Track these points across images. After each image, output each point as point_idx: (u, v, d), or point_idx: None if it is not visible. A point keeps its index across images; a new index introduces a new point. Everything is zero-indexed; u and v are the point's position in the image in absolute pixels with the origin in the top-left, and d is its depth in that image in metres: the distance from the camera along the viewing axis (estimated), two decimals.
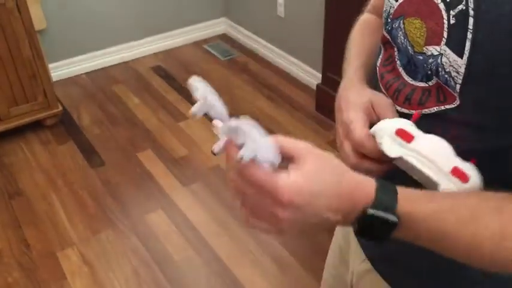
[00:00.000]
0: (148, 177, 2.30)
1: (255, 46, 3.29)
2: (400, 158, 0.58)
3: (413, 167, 0.57)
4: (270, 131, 2.44)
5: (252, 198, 0.50)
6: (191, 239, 1.99)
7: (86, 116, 2.75)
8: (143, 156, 2.42)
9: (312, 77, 2.83)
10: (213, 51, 3.36)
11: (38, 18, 2.67)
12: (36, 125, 2.61)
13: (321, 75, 2.62)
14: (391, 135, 0.57)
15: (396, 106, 0.63)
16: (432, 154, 0.55)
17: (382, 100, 0.64)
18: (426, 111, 0.59)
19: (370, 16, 0.83)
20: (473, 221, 0.50)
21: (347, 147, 0.63)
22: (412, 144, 0.56)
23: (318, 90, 2.64)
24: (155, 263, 1.89)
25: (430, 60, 0.57)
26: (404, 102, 0.61)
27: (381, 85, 0.67)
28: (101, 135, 2.59)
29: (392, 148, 0.58)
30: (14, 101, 2.46)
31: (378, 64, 0.69)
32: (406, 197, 0.51)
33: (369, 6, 0.84)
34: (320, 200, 0.49)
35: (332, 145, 2.43)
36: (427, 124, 0.58)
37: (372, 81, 0.70)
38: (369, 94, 0.66)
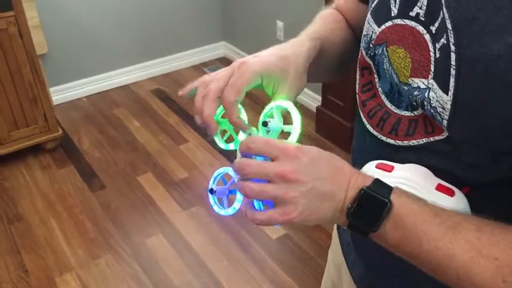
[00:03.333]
0: (149, 201, 2.29)
1: None
2: None
3: None
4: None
5: (260, 171, 0.53)
6: (191, 263, 1.96)
7: (86, 140, 2.75)
8: (143, 179, 2.41)
9: (312, 99, 2.84)
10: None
11: (39, 43, 2.69)
12: (37, 149, 2.60)
13: (321, 98, 2.63)
14: (373, 170, 0.58)
15: (382, 136, 0.60)
16: (415, 177, 0.55)
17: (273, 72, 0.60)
18: (414, 142, 0.56)
19: (333, 10, 0.77)
20: (458, 226, 0.49)
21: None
22: (394, 173, 0.57)
23: (318, 112, 2.65)
24: None
25: (416, 93, 0.54)
26: (391, 133, 0.59)
27: (361, 114, 0.64)
28: (101, 158, 2.59)
29: None
30: (14, 125, 2.46)
31: (357, 90, 0.66)
32: (400, 191, 0.52)
33: (333, 5, 0.79)
34: (321, 163, 0.53)
35: None
36: (417, 157, 0.56)
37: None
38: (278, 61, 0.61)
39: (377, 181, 0.53)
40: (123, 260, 1.98)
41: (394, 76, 0.57)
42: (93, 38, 3.06)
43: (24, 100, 2.44)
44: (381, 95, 0.61)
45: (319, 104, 2.65)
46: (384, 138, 0.60)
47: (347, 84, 2.23)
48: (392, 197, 0.51)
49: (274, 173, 0.52)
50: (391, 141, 0.59)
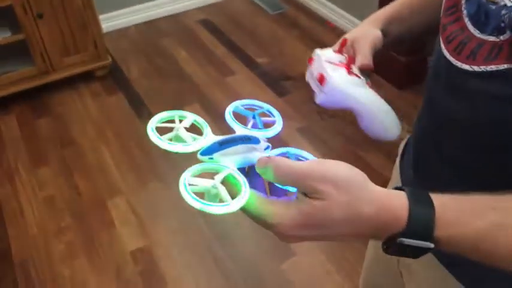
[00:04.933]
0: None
1: (307, 1, 3.18)
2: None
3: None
4: None
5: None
6: None
7: (135, 68, 2.76)
8: (190, 109, 2.40)
9: None
10: (261, 5, 3.26)
11: None
12: (87, 76, 2.64)
13: None
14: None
15: (457, 62, 0.55)
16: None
17: (362, 37, 0.70)
18: (493, 68, 0.51)
19: None
20: None
21: None
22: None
23: None
24: (201, 216, 1.91)
25: (503, 12, 0.49)
26: (468, 57, 0.54)
27: (440, 38, 0.60)
28: (148, 87, 2.60)
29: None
30: (65, 51, 2.49)
31: (441, 14, 0.61)
32: (446, 217, 0.45)
33: None
34: (334, 229, 0.46)
35: None
36: (492, 83, 0.52)
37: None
38: (358, 30, 0.72)
39: (413, 217, 0.44)
40: (170, 187, 2.03)
41: None
42: None
43: (74, 26, 2.44)
44: (464, 17, 0.56)
45: None
46: (459, 64, 0.55)
47: None
48: (438, 228, 0.44)
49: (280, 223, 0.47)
50: (466, 67, 0.54)
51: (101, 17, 2.93)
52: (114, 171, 2.14)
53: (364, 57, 0.70)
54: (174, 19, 3.19)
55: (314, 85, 0.67)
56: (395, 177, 0.83)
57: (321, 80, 0.62)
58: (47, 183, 2.10)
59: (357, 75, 0.62)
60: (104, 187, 2.07)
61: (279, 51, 2.78)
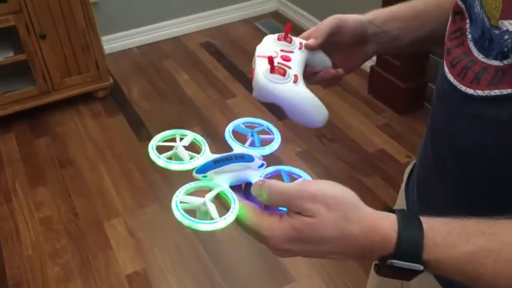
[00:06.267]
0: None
1: (307, 24, 3.20)
2: None
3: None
4: None
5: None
6: None
7: (136, 90, 2.77)
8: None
9: None
10: (263, 29, 3.30)
11: None
12: (88, 97, 2.65)
13: (375, 57, 2.52)
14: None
15: (461, 86, 0.55)
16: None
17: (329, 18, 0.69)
18: (497, 92, 0.51)
19: None
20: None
21: None
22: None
23: (372, 72, 2.55)
24: (198, 240, 1.89)
25: (506, 37, 0.49)
26: (472, 82, 0.54)
27: (445, 62, 0.60)
28: (149, 109, 2.61)
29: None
30: (67, 72, 2.50)
31: (445, 38, 0.62)
32: (434, 240, 0.46)
33: None
34: (324, 246, 0.48)
35: (382, 129, 2.35)
36: (496, 107, 0.51)
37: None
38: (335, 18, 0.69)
39: (402, 239, 0.46)
40: (168, 210, 1.99)
41: (486, 20, 0.53)
42: None
43: (77, 47, 2.46)
44: (469, 42, 0.56)
45: (374, 63, 2.54)
46: (463, 88, 0.55)
47: None
48: (427, 251, 0.45)
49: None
50: (470, 92, 0.54)
51: (104, 38, 2.96)
52: (112, 192, 2.12)
53: (313, 37, 0.68)
54: (176, 41, 3.21)
55: None
56: (401, 202, 0.82)
57: (251, 75, 0.63)
58: (44, 203, 2.08)
59: (282, 68, 0.61)
60: (101, 208, 2.05)
61: None
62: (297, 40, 0.69)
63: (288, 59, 0.64)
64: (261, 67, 0.61)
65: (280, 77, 0.60)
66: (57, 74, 2.47)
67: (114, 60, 3.01)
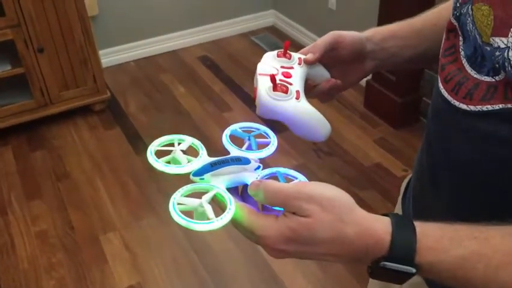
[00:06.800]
0: None
1: (304, 39, 3.24)
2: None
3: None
4: None
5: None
6: (232, 231, 1.96)
7: (133, 103, 2.78)
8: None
9: None
10: (260, 43, 3.32)
11: (90, 5, 2.71)
12: (85, 110, 2.65)
13: None
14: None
15: (454, 101, 0.57)
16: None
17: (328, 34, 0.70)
18: (489, 107, 0.52)
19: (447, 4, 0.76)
20: (503, 267, 0.46)
21: None
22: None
23: (368, 86, 2.57)
24: (195, 253, 1.88)
25: (497, 53, 0.50)
26: (465, 97, 0.55)
27: (439, 78, 0.61)
28: (146, 122, 2.61)
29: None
30: (65, 85, 2.51)
31: (440, 54, 0.63)
32: (427, 244, 0.47)
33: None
34: (318, 247, 0.48)
35: (378, 143, 2.36)
36: (488, 122, 0.52)
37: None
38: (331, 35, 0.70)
39: (396, 242, 0.47)
40: (165, 223, 2.01)
41: (478, 37, 0.54)
42: (143, 2, 3.06)
43: (74, 61, 2.47)
44: (462, 58, 0.58)
45: (370, 78, 2.56)
46: (456, 103, 0.56)
47: None
48: (419, 254, 0.46)
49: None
50: (463, 107, 0.55)
51: (101, 52, 2.97)
52: (108, 205, 2.12)
53: (311, 52, 0.69)
54: (173, 55, 3.23)
55: None
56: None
57: (254, 93, 0.64)
58: (40, 217, 2.08)
59: (284, 86, 0.62)
60: (97, 222, 2.04)
61: None
62: (296, 56, 0.70)
63: (288, 76, 0.65)
64: (263, 85, 0.62)
65: (283, 94, 0.61)
66: (54, 88, 2.48)
67: (111, 73, 3.02)
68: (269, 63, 0.68)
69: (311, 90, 0.71)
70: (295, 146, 2.34)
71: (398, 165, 2.22)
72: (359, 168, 2.24)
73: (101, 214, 2.08)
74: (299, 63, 0.68)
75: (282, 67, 0.67)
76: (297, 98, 0.62)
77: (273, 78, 0.61)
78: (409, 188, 0.79)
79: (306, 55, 0.70)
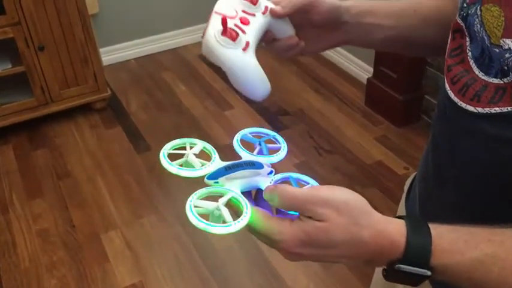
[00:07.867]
0: None
1: None
2: None
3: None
4: (317, 125, 2.37)
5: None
6: None
7: (134, 101, 2.78)
8: None
9: (362, 70, 2.74)
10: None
11: (91, 3, 2.70)
12: (86, 108, 2.65)
13: (372, 69, 2.54)
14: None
15: (461, 103, 0.56)
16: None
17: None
18: (497, 110, 0.51)
19: None
20: None
21: None
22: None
23: (369, 84, 2.56)
24: (196, 251, 1.88)
25: (507, 55, 0.49)
26: (472, 99, 0.54)
27: (445, 79, 0.60)
28: (147, 120, 2.61)
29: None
30: (65, 84, 2.51)
31: (446, 55, 0.62)
32: (442, 246, 0.47)
33: None
34: (334, 250, 0.49)
35: (379, 140, 2.36)
36: (496, 124, 0.52)
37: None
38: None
39: (411, 245, 0.47)
40: (166, 221, 2.00)
41: (486, 38, 0.53)
42: (144, 0, 3.05)
43: (75, 59, 2.47)
44: (469, 59, 0.56)
45: (370, 75, 2.56)
46: (463, 105, 0.55)
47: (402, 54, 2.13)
48: (435, 256, 0.47)
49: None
50: (471, 109, 0.54)
51: (102, 50, 2.97)
52: (109, 204, 2.12)
53: (282, 6, 0.65)
54: (175, 53, 3.23)
55: None
56: (401, 214, 0.82)
57: (204, 31, 0.59)
58: (41, 215, 2.08)
59: (235, 31, 0.57)
60: (98, 220, 2.04)
61: (277, 86, 2.81)
62: (263, 3, 0.64)
63: (246, 22, 0.61)
64: (213, 26, 0.58)
65: (230, 41, 0.57)
66: (55, 86, 2.47)
67: (112, 71, 3.02)
68: (231, 3, 0.62)
69: (270, 43, 0.68)
70: (296, 144, 2.34)
71: (399, 163, 2.21)
72: (360, 166, 2.24)
73: (102, 212, 2.08)
74: (263, 12, 0.63)
75: (244, 11, 0.62)
76: (244, 49, 0.58)
77: (224, 20, 0.57)
78: (413, 188, 0.79)
79: (275, 5, 0.65)
